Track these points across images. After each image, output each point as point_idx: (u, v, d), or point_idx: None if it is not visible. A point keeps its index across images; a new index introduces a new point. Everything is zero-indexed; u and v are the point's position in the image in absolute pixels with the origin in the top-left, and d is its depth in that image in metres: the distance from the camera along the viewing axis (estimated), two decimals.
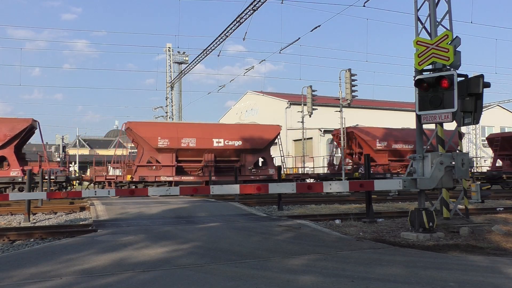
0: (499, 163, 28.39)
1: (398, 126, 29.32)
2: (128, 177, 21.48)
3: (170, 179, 22.09)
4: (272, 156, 25.24)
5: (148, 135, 22.04)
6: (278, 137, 24.73)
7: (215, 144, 22.95)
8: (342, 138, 24.77)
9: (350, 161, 26.90)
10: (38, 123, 21.67)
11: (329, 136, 35.10)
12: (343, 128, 24.91)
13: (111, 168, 25.35)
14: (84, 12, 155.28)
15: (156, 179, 21.93)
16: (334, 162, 27.59)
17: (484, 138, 28.61)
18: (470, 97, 7.92)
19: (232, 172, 22.67)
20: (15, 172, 20.37)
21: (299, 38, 30.98)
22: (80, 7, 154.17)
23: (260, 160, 24.94)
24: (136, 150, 25.80)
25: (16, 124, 20.70)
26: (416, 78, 7.86)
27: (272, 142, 24.43)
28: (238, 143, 23.34)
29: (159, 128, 22.96)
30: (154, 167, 22.27)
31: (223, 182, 21.98)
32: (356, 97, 24.58)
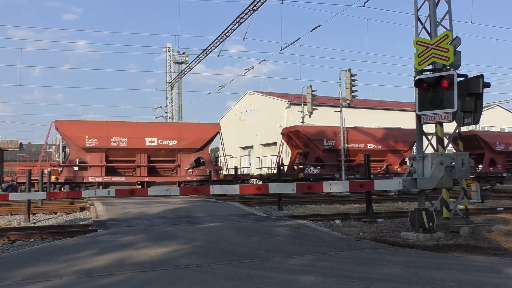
0: None
1: (399, 126, 29.31)
2: (53, 178, 20.39)
3: (100, 179, 21.24)
4: (230, 156, 25.06)
5: (75, 134, 21.31)
6: (219, 135, 23.99)
7: (147, 144, 22.07)
8: (342, 138, 24.78)
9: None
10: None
11: None
12: (343, 128, 24.91)
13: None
14: (85, 13, 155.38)
15: (84, 180, 21.09)
16: (284, 162, 27.10)
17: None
18: (470, 97, 7.93)
19: (169, 173, 22.94)
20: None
21: (299, 38, 31.02)
22: (81, 8, 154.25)
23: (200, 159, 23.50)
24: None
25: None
26: (416, 78, 7.86)
27: (210, 141, 23.70)
28: (173, 143, 22.47)
29: (86, 126, 21.90)
30: (78, 167, 21.44)
31: (159, 183, 21.95)
32: (356, 97, 24.59)
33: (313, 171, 24.77)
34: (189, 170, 22.78)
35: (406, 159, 26.49)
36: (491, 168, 27.76)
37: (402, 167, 26.19)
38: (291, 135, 25.82)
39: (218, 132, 23.83)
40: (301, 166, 25.33)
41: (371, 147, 26.20)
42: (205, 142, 23.31)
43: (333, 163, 25.42)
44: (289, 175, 24.36)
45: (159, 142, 22.35)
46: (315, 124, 27.15)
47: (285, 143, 27.49)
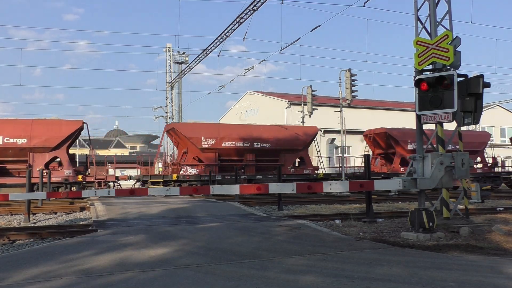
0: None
1: (399, 126, 29.30)
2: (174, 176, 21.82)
3: None
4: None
5: None
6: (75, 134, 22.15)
7: None
8: (342, 138, 24.78)
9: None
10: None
11: (330, 136, 35.17)
12: (343, 128, 24.91)
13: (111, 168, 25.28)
14: (86, 13, 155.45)
15: None
16: (179, 162, 25.52)
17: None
18: (470, 97, 7.93)
19: (23, 174, 20.78)
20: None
21: (299, 38, 31.00)
22: (82, 8, 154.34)
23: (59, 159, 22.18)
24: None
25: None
26: (416, 78, 7.86)
27: (69, 139, 21.68)
28: (23, 141, 20.69)
29: None
30: None
31: (9, 185, 20.37)
32: (356, 97, 24.61)
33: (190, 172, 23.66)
34: (43, 171, 20.49)
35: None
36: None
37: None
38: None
39: (77, 129, 21.53)
40: (176, 167, 23.67)
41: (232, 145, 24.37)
42: (62, 140, 21.12)
43: (212, 163, 23.75)
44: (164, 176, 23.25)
45: (5, 140, 20.33)
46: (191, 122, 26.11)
47: None
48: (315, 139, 25.62)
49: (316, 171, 24.86)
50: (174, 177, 22.37)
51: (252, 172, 23.55)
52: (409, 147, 25.46)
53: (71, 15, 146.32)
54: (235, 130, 24.09)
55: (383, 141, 26.31)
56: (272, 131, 24.70)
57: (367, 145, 27.41)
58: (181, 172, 22.73)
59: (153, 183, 22.13)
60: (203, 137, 22.96)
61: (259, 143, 23.88)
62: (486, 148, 30.02)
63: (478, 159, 28.34)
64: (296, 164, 25.77)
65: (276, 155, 24.39)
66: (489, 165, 28.45)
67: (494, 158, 28.98)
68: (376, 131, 26.31)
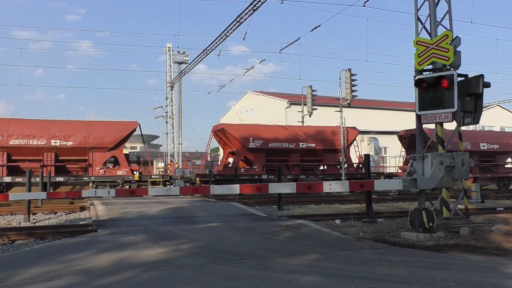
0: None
1: (399, 126, 29.30)
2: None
3: None
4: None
5: None
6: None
7: None
8: (342, 138, 24.77)
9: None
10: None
11: None
12: (343, 128, 24.90)
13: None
14: (88, 13, 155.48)
15: None
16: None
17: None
18: (470, 97, 7.92)
19: None
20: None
21: (299, 38, 30.96)
22: (84, 9, 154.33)
23: None
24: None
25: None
26: (416, 78, 7.86)
27: (124, 140, 22.77)
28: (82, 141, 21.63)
29: None
30: None
31: None
32: (356, 97, 24.57)
33: None
34: None
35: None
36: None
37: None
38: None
39: (134, 130, 22.46)
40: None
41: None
42: (119, 140, 22.01)
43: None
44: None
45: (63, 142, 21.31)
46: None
47: None
48: (355, 140, 26.31)
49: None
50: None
51: (297, 172, 24.25)
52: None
53: (73, 16, 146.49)
54: (281, 131, 24.80)
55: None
56: (316, 132, 25.47)
57: (402, 147, 26.70)
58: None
59: (204, 182, 22.58)
60: (251, 138, 23.79)
61: (304, 144, 24.59)
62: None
63: None
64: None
65: (320, 155, 25.14)
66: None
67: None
68: (413, 131, 25.85)
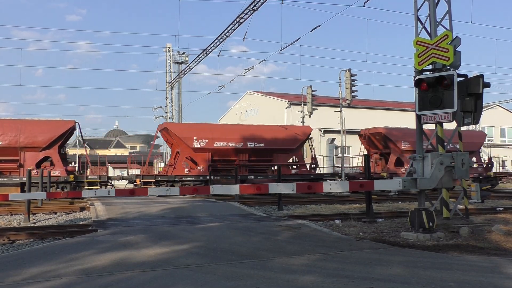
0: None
1: (399, 126, 29.27)
2: None
3: None
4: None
5: None
6: None
7: None
8: (342, 138, 24.77)
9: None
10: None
11: (330, 136, 35.15)
12: (343, 128, 24.91)
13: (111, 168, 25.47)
14: (88, 14, 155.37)
15: None
16: None
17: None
18: (470, 97, 7.93)
19: None
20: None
21: (299, 38, 30.96)
22: (85, 9, 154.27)
23: None
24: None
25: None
26: (416, 78, 7.86)
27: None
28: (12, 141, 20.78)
29: None
30: None
31: None
32: (356, 97, 24.61)
33: None
34: None
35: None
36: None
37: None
38: None
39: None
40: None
41: None
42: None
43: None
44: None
45: None
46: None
47: None
48: (310, 139, 25.48)
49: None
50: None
51: (245, 173, 23.29)
52: (404, 146, 25.37)
53: (74, 16, 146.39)
54: (228, 130, 24.02)
55: (378, 141, 26.17)
56: (265, 131, 24.63)
57: (362, 145, 27.22)
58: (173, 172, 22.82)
59: (145, 183, 21.98)
60: (195, 137, 22.92)
61: (253, 143, 23.78)
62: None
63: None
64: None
65: (270, 155, 24.27)
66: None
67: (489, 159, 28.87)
68: (372, 130, 26.14)
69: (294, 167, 25.06)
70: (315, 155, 25.67)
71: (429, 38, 8.96)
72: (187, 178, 22.36)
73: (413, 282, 4.46)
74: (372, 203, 10.71)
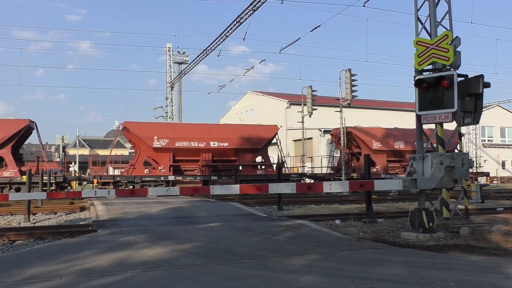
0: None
1: (399, 126, 29.27)
2: None
3: None
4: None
5: None
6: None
7: None
8: (342, 138, 24.77)
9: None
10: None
11: (329, 136, 35.13)
12: (343, 128, 24.89)
13: (110, 168, 25.36)
14: (89, 14, 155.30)
15: None
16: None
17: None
18: (470, 97, 7.92)
19: None
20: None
21: (299, 38, 31.00)
22: (85, 9, 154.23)
23: None
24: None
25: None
26: (416, 78, 7.86)
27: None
28: None
29: None
30: None
31: None
32: (356, 97, 24.57)
33: None
34: None
35: None
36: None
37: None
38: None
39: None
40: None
41: None
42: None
43: None
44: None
45: None
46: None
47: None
48: (277, 138, 25.00)
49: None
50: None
51: (207, 173, 22.67)
52: (375, 146, 25.25)
53: (74, 16, 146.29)
54: (190, 130, 23.46)
55: (350, 141, 25.96)
56: (229, 130, 24.20)
57: (333, 143, 27.00)
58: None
59: (103, 184, 21.50)
60: (155, 137, 22.48)
61: (216, 143, 23.28)
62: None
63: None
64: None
65: (235, 155, 23.84)
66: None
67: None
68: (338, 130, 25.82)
69: (259, 167, 24.55)
70: (281, 155, 25.21)
71: (429, 38, 8.97)
72: (147, 179, 21.95)
73: (413, 282, 4.46)
74: (372, 203, 10.71)
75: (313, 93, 29.42)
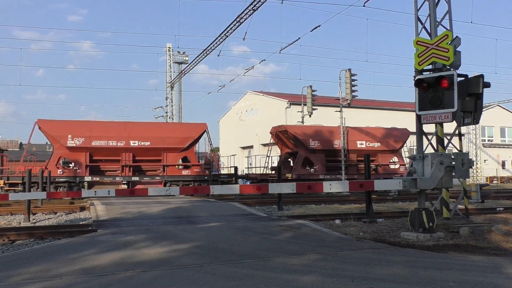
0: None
1: (399, 126, 29.21)
2: None
3: None
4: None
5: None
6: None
7: None
8: (342, 138, 24.77)
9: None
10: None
11: None
12: (343, 128, 24.89)
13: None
14: (90, 14, 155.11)
15: None
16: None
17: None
18: (470, 97, 7.93)
19: None
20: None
21: (299, 38, 30.95)
22: (86, 9, 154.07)
23: None
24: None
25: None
26: (416, 78, 7.86)
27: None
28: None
29: None
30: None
31: None
32: (356, 97, 24.57)
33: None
34: None
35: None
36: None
37: None
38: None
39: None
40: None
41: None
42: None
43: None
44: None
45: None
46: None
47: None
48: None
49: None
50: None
51: (129, 174, 21.95)
52: (312, 145, 24.19)
53: (75, 16, 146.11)
54: (108, 128, 22.39)
55: (288, 139, 25.04)
56: (151, 129, 23.34)
57: (273, 142, 25.97)
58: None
59: (12, 185, 20.47)
60: (69, 136, 21.26)
61: (137, 142, 22.22)
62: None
63: None
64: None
65: (158, 155, 22.84)
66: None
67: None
68: (279, 128, 25.12)
69: (182, 167, 23.61)
70: (210, 155, 24.51)
71: (429, 38, 8.97)
72: (61, 179, 20.92)
73: (413, 282, 4.46)
74: (372, 203, 10.71)
75: (313, 93, 29.42)
